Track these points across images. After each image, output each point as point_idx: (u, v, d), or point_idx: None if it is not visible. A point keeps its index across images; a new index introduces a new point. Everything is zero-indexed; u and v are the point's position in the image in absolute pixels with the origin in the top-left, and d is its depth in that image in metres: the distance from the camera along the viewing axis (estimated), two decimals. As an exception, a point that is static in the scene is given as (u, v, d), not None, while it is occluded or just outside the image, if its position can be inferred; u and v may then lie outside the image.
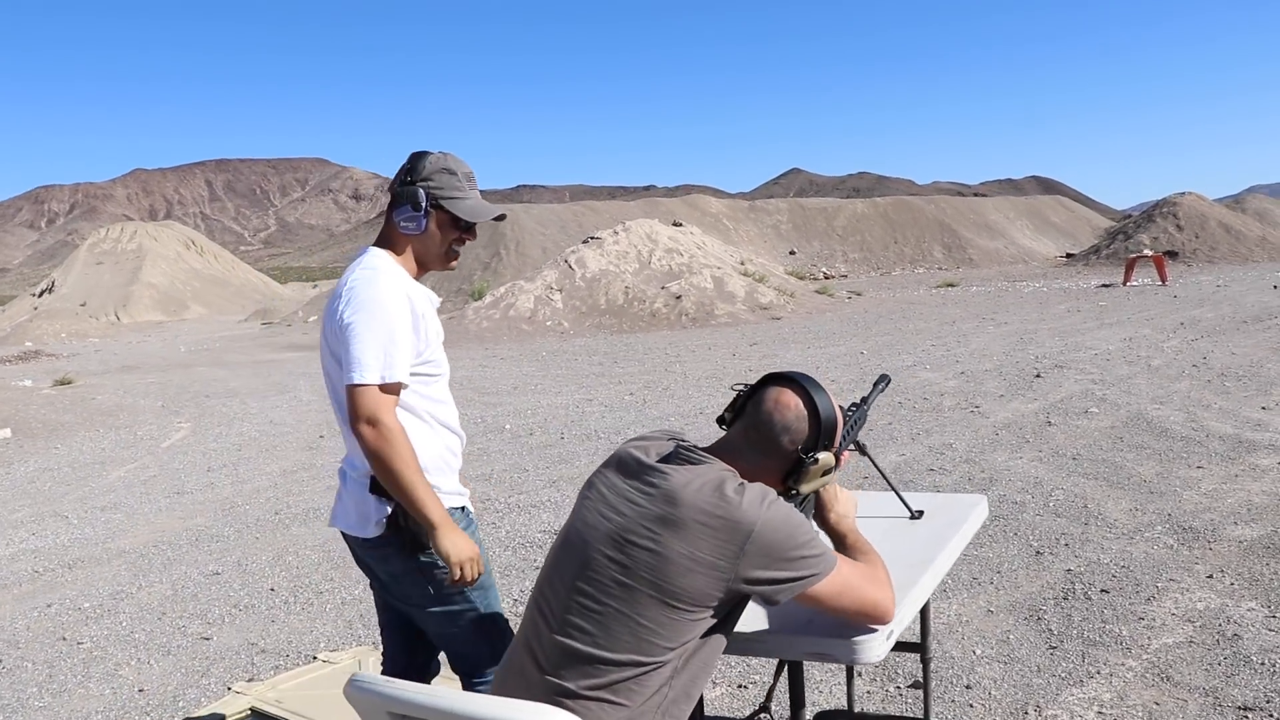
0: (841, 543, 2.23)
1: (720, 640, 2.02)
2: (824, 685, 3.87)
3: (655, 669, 1.89)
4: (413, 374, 2.61)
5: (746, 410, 2.17)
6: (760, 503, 1.94)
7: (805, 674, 3.88)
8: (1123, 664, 3.83)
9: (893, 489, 3.01)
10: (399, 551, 2.62)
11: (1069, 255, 46.54)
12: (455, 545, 2.52)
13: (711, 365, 15.09)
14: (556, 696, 1.89)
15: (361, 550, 2.73)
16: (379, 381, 2.49)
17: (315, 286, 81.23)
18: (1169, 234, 36.70)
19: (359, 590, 5.70)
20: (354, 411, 2.48)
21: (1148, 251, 31.29)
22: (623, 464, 2.13)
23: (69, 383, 19.98)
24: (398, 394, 2.55)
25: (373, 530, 2.63)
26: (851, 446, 2.90)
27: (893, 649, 3.45)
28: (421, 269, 2.76)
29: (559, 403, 12.28)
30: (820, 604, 2.01)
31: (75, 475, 10.47)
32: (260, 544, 6.94)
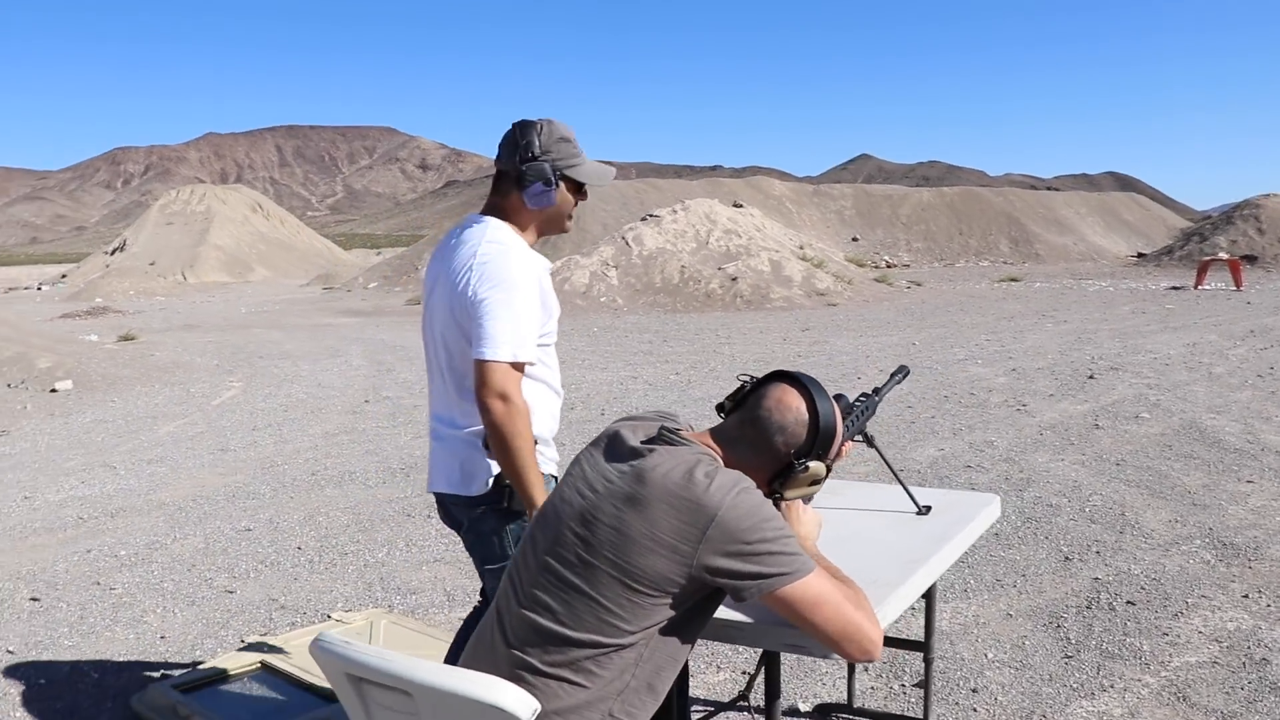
0: None
1: (690, 634, 1.99)
2: (828, 677, 3.83)
3: (615, 651, 1.87)
4: (545, 345, 2.76)
5: (748, 403, 2.13)
6: (730, 489, 1.89)
7: (809, 666, 3.85)
8: (1139, 680, 3.74)
9: (899, 482, 2.95)
10: (494, 510, 2.69)
11: (1140, 255, 45.57)
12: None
13: (761, 349, 14.99)
14: (519, 670, 1.88)
15: (458, 509, 2.79)
16: (510, 359, 2.56)
17: (379, 254, 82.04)
18: (1249, 237, 35.64)
19: (382, 554, 5.75)
20: (484, 385, 2.55)
21: (1223, 254, 30.52)
22: (608, 443, 2.11)
23: (132, 339, 20.39)
24: (523, 371, 2.63)
25: (479, 487, 2.70)
26: (859, 437, 2.86)
27: (896, 647, 3.41)
28: (539, 237, 2.84)
29: (604, 379, 12.28)
30: (794, 613, 1.92)
31: (128, 428, 10.67)
32: (293, 503, 7.03)
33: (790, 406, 2.08)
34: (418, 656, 3.59)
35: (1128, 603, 4.52)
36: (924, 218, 52.48)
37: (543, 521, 2.06)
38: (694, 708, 3.59)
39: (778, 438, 2.07)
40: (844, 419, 2.70)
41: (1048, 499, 6.26)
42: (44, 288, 56.86)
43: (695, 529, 1.85)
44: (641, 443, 2.05)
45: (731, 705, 3.35)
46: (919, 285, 28.91)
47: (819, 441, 2.09)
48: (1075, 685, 3.70)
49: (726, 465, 2.04)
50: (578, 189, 2.80)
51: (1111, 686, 3.68)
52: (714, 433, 2.13)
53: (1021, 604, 4.56)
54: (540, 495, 2.57)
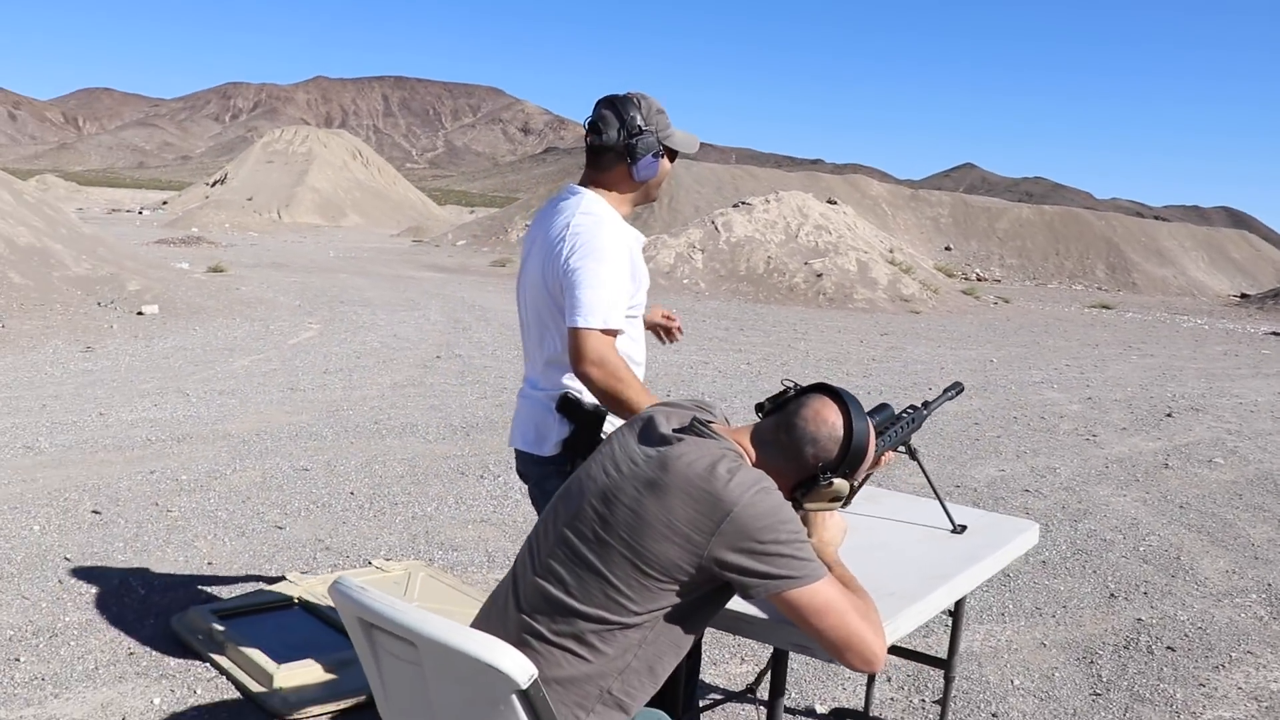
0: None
1: (695, 624, 2.01)
2: (849, 682, 3.82)
3: (620, 629, 1.90)
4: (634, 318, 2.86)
5: (787, 409, 2.13)
6: (750, 486, 1.91)
7: (830, 669, 3.84)
8: (1166, 724, 3.67)
9: (938, 498, 2.93)
10: (559, 471, 2.76)
11: (1243, 295, 44.22)
12: None
13: (836, 349, 14.89)
14: (526, 635, 1.93)
15: (529, 466, 2.90)
16: (601, 326, 2.62)
17: (472, 212, 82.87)
18: (1357, 289, 34.40)
19: (431, 508, 5.85)
20: (579, 353, 2.62)
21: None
22: (642, 427, 2.13)
23: (221, 271, 20.89)
24: (615, 337, 2.70)
25: (549, 449, 2.80)
26: (902, 449, 2.84)
27: (918, 662, 3.39)
28: (633, 208, 2.94)
29: (675, 361, 12.30)
30: (798, 617, 1.93)
31: (205, 357, 10.96)
32: (353, 449, 7.16)
33: (826, 420, 2.08)
34: (447, 612, 3.66)
35: (1168, 648, 4.43)
36: (1021, 234, 51.50)
37: (566, 495, 2.09)
38: (709, 695, 3.61)
39: (809, 449, 2.07)
40: (889, 429, 2.70)
41: (1103, 533, 6.14)
42: (145, 212, 58.47)
43: (710, 521, 1.87)
44: (673, 430, 2.07)
45: (739, 698, 3.37)
46: (1006, 302, 28.40)
47: (848, 460, 2.09)
48: (1099, 723, 3.65)
49: (755, 465, 2.06)
50: (671, 157, 2.91)
51: (1137, 729, 3.62)
52: (747, 431, 2.14)
53: (1058, 635, 4.50)
54: None
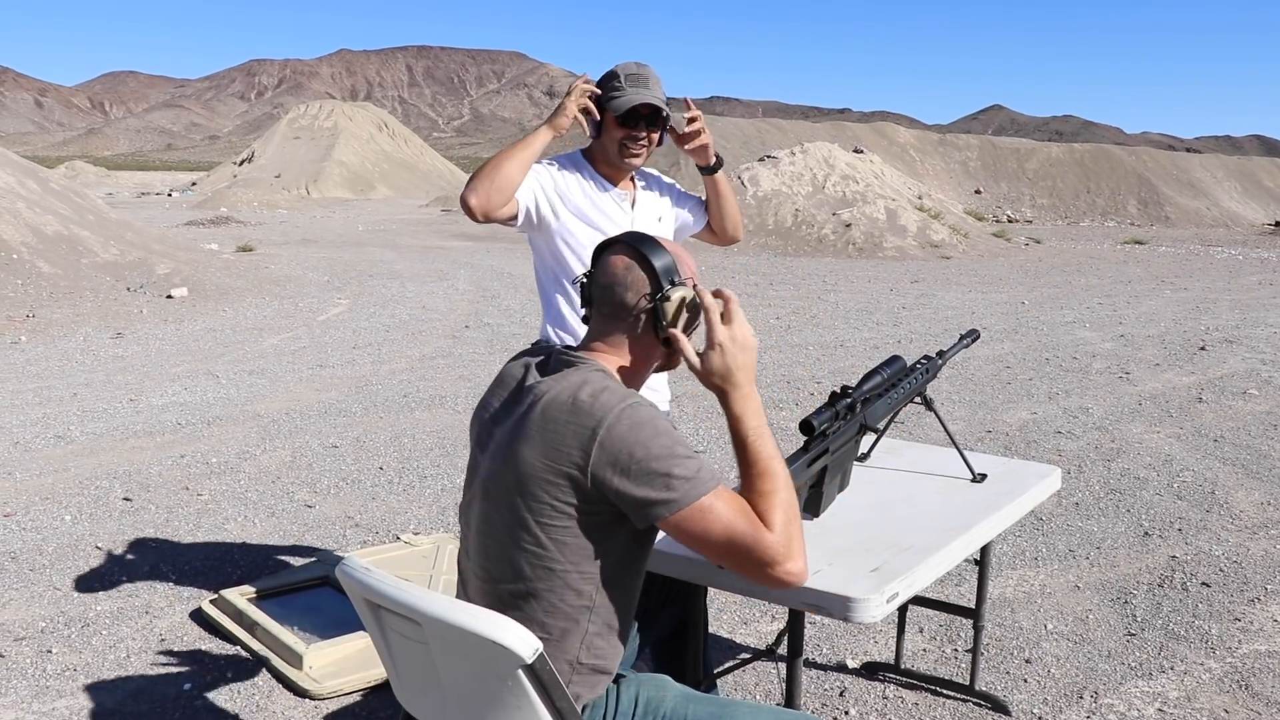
0: (724, 400, 1.94)
1: (631, 568, 1.95)
2: (881, 636, 3.80)
3: (558, 598, 1.86)
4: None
5: (592, 293, 2.04)
6: (615, 405, 1.82)
7: (862, 624, 3.82)
8: (1201, 664, 3.63)
9: (956, 447, 2.89)
10: None
11: (1278, 223, 43.51)
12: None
13: (866, 299, 14.77)
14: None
15: None
16: None
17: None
18: (1394, 211, 33.74)
19: (460, 480, 5.86)
20: None
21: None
22: (501, 383, 2.07)
23: (250, 250, 20.98)
24: None
25: None
26: (918, 399, 2.81)
27: (947, 612, 3.37)
28: (607, 169, 3.01)
29: (701, 320, 12.24)
30: (689, 540, 1.81)
31: (234, 338, 11.03)
32: (382, 423, 7.20)
33: (616, 263, 1.98)
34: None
35: (1202, 584, 4.38)
36: (1051, 174, 50.85)
37: (468, 481, 2.05)
38: (739, 655, 3.60)
39: (627, 295, 1.96)
40: (902, 381, 2.66)
41: (1136, 471, 6.07)
42: (174, 194, 58.81)
43: (582, 449, 1.80)
44: (534, 367, 2.01)
45: (758, 657, 3.35)
46: (1038, 243, 28.07)
47: (661, 271, 1.95)
48: (1134, 664, 3.61)
49: (615, 362, 1.98)
50: (618, 123, 2.90)
51: (1171, 669, 3.58)
52: (589, 338, 2.04)
53: (1092, 577, 4.45)
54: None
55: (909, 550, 2.26)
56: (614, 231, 2.81)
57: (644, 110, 2.88)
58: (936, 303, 14.39)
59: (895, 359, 2.62)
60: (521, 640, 1.72)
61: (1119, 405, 7.83)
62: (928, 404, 2.82)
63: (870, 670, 3.54)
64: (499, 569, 1.90)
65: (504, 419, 1.98)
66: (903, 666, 3.48)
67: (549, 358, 2.03)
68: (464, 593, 2.03)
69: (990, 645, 3.73)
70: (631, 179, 3.08)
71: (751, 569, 1.79)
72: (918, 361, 2.80)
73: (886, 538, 2.34)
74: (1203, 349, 10.45)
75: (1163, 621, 3.99)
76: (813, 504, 2.43)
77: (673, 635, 2.61)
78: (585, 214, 2.95)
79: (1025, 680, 3.48)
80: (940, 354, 2.90)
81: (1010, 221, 40.94)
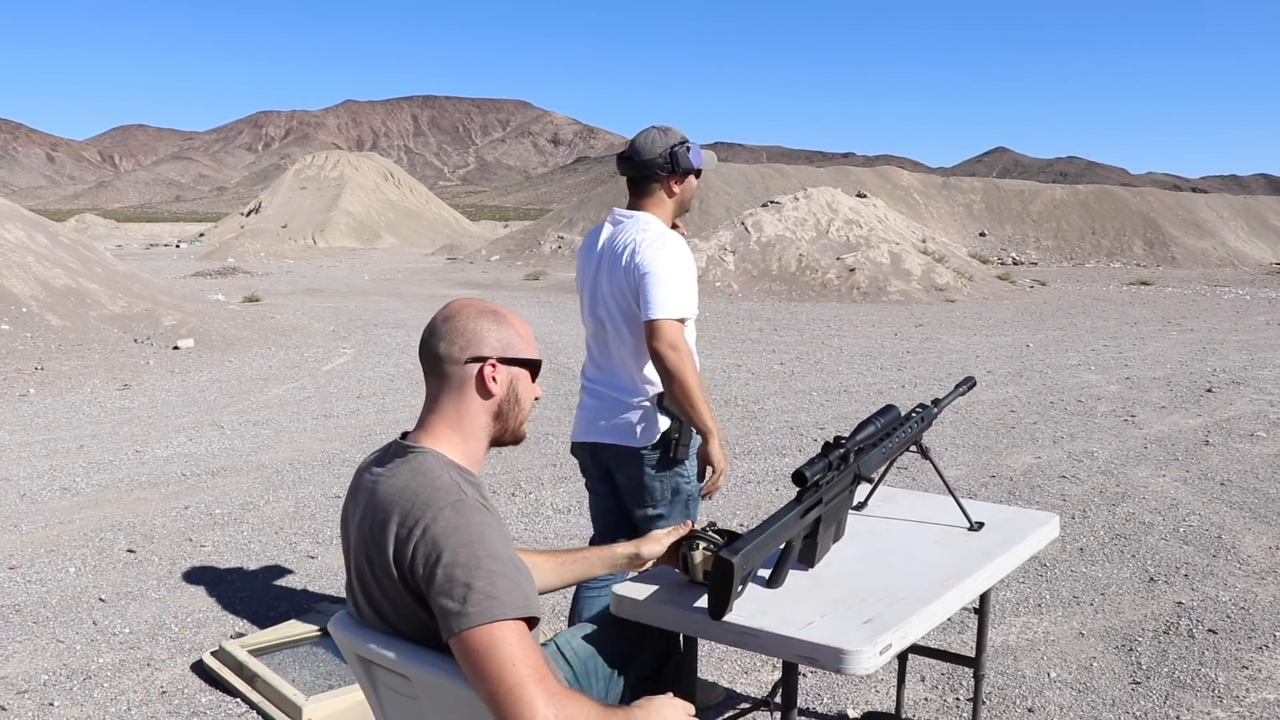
0: None
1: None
2: (881, 685, 3.77)
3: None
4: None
5: (425, 365, 2.00)
6: (438, 503, 1.77)
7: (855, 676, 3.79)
8: (1208, 713, 3.59)
9: (952, 495, 2.89)
10: (653, 463, 3.21)
11: (1284, 263, 43.51)
12: (718, 454, 3.18)
13: (870, 343, 14.79)
14: None
15: (612, 457, 3.28)
16: (676, 316, 3.08)
17: (506, 226, 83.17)
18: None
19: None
20: (656, 337, 3.04)
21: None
22: (354, 487, 2.02)
23: (256, 300, 21.10)
24: (684, 324, 3.14)
25: (643, 439, 3.21)
26: (914, 448, 2.81)
27: (948, 661, 3.35)
28: (673, 219, 3.39)
29: (708, 365, 12.26)
30: (464, 661, 1.69)
31: (240, 388, 11.06)
32: (385, 473, 7.19)
33: (436, 317, 1.98)
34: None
35: (1209, 631, 4.34)
36: (1055, 215, 50.97)
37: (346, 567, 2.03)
38: (739, 704, 3.58)
39: (440, 345, 1.94)
40: (896, 430, 2.67)
41: (1141, 516, 6.05)
42: (182, 245, 59.22)
43: (402, 547, 1.77)
44: (374, 466, 1.96)
45: (756, 708, 3.33)
46: (1043, 285, 28.11)
47: (496, 336, 1.96)
48: (1139, 713, 3.58)
49: (449, 438, 1.93)
50: (697, 176, 3.36)
51: (1178, 718, 3.55)
52: (425, 414, 1.99)
53: (1096, 623, 4.42)
54: (712, 421, 3.12)
55: (903, 601, 2.25)
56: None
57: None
58: (941, 346, 14.39)
59: (889, 408, 2.63)
60: (511, 695, 1.72)
61: (1124, 449, 7.81)
62: (923, 452, 2.82)
63: (872, 720, 3.51)
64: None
65: (352, 524, 1.94)
66: (903, 716, 3.45)
67: (387, 449, 1.97)
68: None
69: (992, 694, 3.70)
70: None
71: (505, 713, 1.63)
72: (913, 410, 2.81)
73: (881, 588, 2.34)
74: (1209, 391, 10.43)
75: (1169, 669, 3.95)
76: (807, 554, 2.43)
77: (652, 675, 2.61)
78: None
79: (1029, 730, 3.45)
80: (936, 402, 2.91)
81: (1015, 264, 41.01)
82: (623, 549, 2.36)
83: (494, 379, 1.95)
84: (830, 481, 2.38)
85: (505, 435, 2.01)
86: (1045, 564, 5.17)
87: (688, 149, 3.29)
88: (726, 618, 2.15)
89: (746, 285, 23.69)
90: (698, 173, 3.35)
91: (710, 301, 21.76)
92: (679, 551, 2.38)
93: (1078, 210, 51.19)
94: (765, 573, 2.35)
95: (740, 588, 2.17)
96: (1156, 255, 46.76)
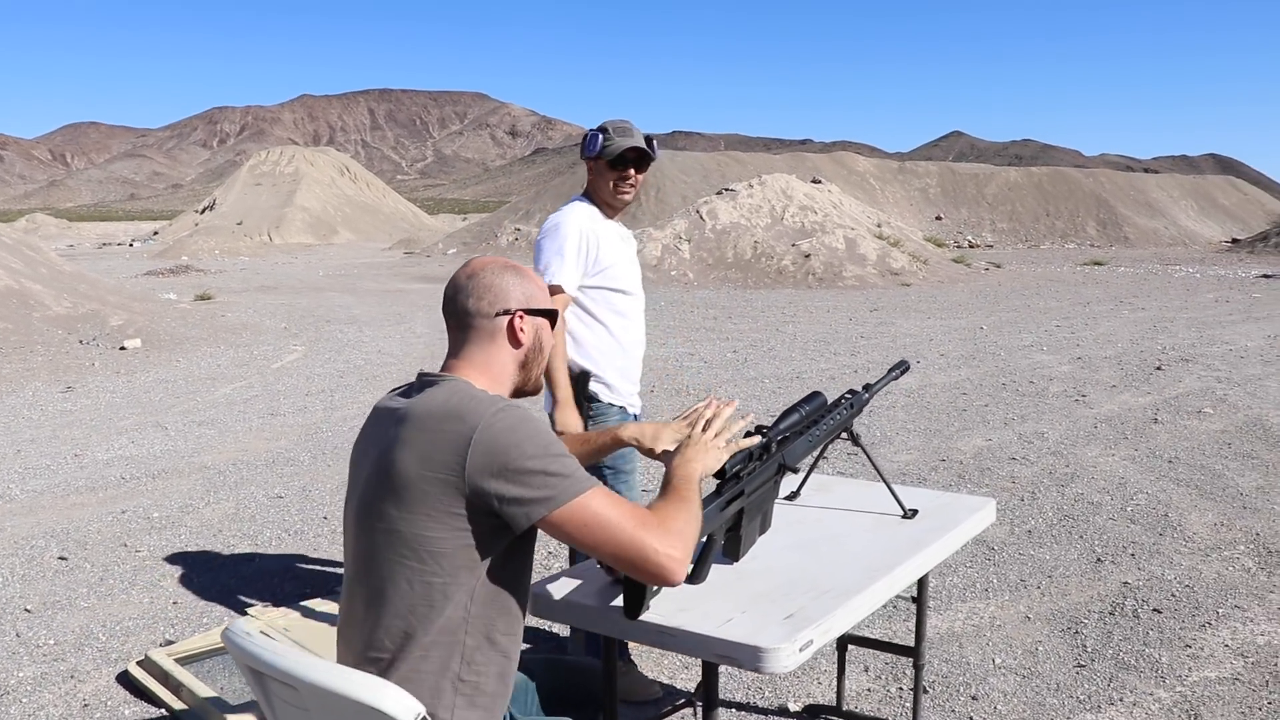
0: (669, 487, 2.05)
1: (512, 580, 1.92)
2: (824, 677, 3.71)
3: (438, 611, 1.83)
4: (592, 287, 3.43)
5: (448, 312, 2.10)
6: (489, 406, 1.84)
7: (804, 667, 3.74)
8: (1151, 694, 3.56)
9: (885, 482, 2.82)
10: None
11: (1234, 240, 44.07)
12: (565, 421, 3.29)
13: (824, 329, 14.78)
14: (371, 651, 1.88)
15: None
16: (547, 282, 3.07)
17: (464, 219, 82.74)
18: (1348, 225, 34.24)
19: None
20: None
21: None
22: (374, 417, 2.05)
23: (208, 298, 20.79)
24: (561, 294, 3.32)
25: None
26: (844, 435, 2.74)
27: (886, 651, 3.29)
28: (605, 208, 3.51)
29: (660, 354, 12.19)
30: (568, 536, 1.84)
31: (187, 388, 10.87)
32: (329, 472, 7.07)
33: (459, 274, 2.08)
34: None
35: (1154, 610, 4.32)
36: (1010, 198, 51.37)
37: (346, 520, 2.02)
38: (676, 700, 3.51)
39: (469, 302, 2.04)
40: (823, 417, 2.59)
41: (1090, 496, 6.04)
42: (135, 244, 58.42)
43: (457, 453, 1.80)
44: (399, 396, 2.02)
45: (683, 706, 3.27)
46: (998, 267, 28.29)
47: (522, 285, 2.07)
48: (1082, 697, 3.54)
49: (476, 379, 2.00)
50: (610, 167, 3.40)
51: (1120, 700, 3.52)
52: (450, 358, 2.07)
53: (1043, 607, 4.39)
54: (563, 390, 3.32)
55: (828, 594, 2.18)
56: (628, 259, 3.53)
57: (631, 154, 3.36)
58: (895, 331, 14.41)
59: (815, 395, 2.56)
60: (401, 705, 1.64)
61: (1074, 429, 7.82)
62: (854, 439, 2.75)
63: (812, 713, 3.45)
64: (379, 597, 1.87)
65: (376, 443, 1.94)
66: (845, 709, 3.40)
67: (412, 384, 2.04)
68: (343, 644, 1.98)
69: (936, 683, 3.66)
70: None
71: (634, 565, 1.84)
72: (842, 396, 2.74)
73: (806, 581, 2.27)
74: (1159, 369, 10.49)
75: (1113, 651, 3.92)
76: (731, 548, 2.35)
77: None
78: (614, 246, 3.49)
79: (971, 718, 3.41)
80: (867, 387, 2.84)
81: (971, 246, 41.28)
82: (628, 432, 2.44)
83: (522, 330, 2.06)
84: (752, 472, 2.30)
85: (527, 385, 2.13)
86: (993, 547, 5.14)
87: (590, 136, 3.40)
88: (643, 616, 2.07)
89: (702, 273, 23.64)
90: (611, 160, 3.38)
91: (666, 290, 21.69)
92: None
93: (1032, 192, 51.62)
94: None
95: (657, 585, 2.09)
96: (1110, 235, 47.26)
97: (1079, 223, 48.90)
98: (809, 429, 2.52)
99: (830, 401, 2.66)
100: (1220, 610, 4.32)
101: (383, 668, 1.83)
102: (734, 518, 2.30)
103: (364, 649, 1.88)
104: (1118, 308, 17.33)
